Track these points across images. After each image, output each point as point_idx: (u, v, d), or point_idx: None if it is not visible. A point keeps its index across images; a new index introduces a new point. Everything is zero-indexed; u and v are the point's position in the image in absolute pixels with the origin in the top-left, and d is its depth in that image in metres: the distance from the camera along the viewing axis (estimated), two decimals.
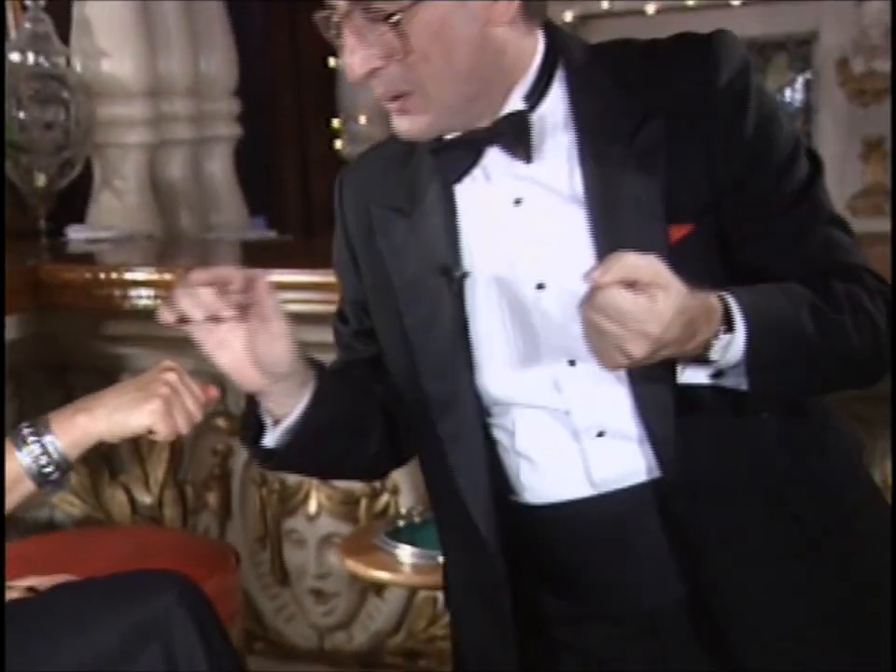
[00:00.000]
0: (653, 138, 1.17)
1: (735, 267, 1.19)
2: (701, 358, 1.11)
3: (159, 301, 2.51)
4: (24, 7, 2.83)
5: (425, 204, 1.25)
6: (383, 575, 1.99)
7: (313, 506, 2.57)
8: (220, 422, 2.64)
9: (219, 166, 3.46)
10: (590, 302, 1.04)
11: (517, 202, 1.21)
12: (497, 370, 1.23)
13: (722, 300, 1.10)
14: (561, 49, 1.22)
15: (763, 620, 1.22)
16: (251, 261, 2.81)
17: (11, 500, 1.26)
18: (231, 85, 3.45)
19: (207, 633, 1.27)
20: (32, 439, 1.24)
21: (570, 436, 1.22)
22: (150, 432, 1.25)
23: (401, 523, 2.09)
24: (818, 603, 1.24)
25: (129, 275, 2.48)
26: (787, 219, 1.18)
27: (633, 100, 1.19)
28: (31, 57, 2.80)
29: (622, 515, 1.23)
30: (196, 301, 1.13)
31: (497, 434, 1.27)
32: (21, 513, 2.63)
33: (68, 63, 2.91)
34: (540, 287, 1.21)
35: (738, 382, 1.14)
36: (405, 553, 1.96)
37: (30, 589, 1.41)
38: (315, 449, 1.26)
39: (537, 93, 1.21)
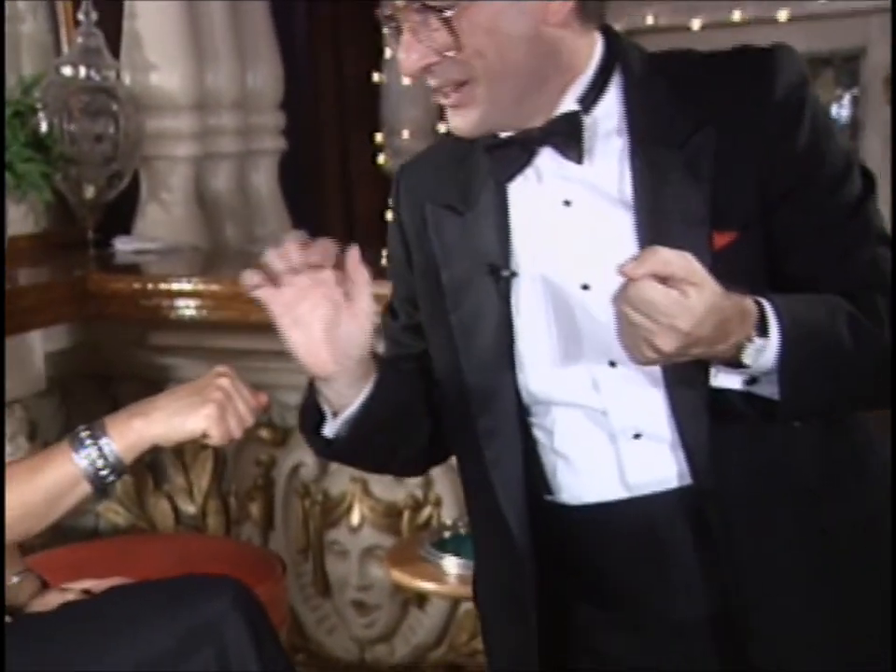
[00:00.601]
0: (704, 145, 1.18)
1: (779, 278, 1.19)
2: (734, 362, 1.11)
3: (204, 312, 2.58)
4: (77, 22, 2.87)
5: (479, 204, 1.27)
6: (428, 585, 2.00)
7: (356, 517, 2.58)
8: (264, 433, 2.66)
9: (264, 179, 3.50)
10: (622, 294, 1.05)
11: (567, 203, 1.22)
12: (539, 368, 1.25)
13: (758, 304, 1.10)
14: (619, 54, 1.23)
15: (788, 638, 1.22)
16: None
17: (69, 502, 1.27)
18: (277, 99, 3.49)
19: (260, 638, 1.27)
20: (89, 442, 1.25)
21: (607, 437, 1.23)
22: (204, 436, 1.27)
23: (447, 534, 2.09)
24: (843, 626, 1.23)
25: (175, 286, 2.52)
26: (836, 234, 1.18)
27: (688, 108, 1.20)
28: (82, 71, 2.85)
29: (654, 520, 1.23)
30: (282, 255, 1.15)
31: (537, 433, 1.28)
32: (68, 519, 2.67)
33: (118, 76, 2.96)
34: (585, 287, 1.22)
35: (772, 391, 1.13)
36: (450, 563, 1.97)
37: (85, 591, 1.42)
38: (371, 441, 1.28)
39: (592, 96, 1.22)
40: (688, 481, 1.22)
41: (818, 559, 1.23)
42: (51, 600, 1.41)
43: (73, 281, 2.55)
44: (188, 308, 2.51)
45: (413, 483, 2.52)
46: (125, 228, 3.09)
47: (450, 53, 1.16)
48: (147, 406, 1.28)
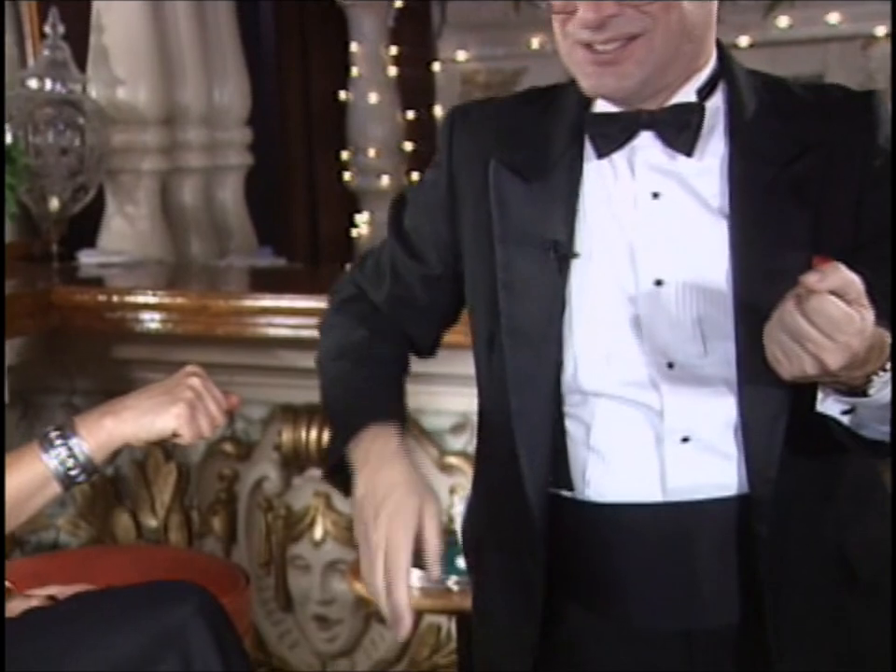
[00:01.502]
0: (811, 170, 1.17)
1: None
2: (855, 391, 1.10)
3: (169, 326, 2.59)
4: (44, 35, 2.88)
5: (551, 177, 1.24)
6: None
7: (318, 532, 2.58)
8: (228, 447, 2.66)
9: (230, 194, 3.52)
10: (801, 306, 1.02)
11: (655, 195, 1.21)
12: (593, 357, 1.22)
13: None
14: (727, 62, 1.23)
15: (811, 652, 1.23)
16: (261, 287, 2.84)
17: (38, 502, 1.26)
18: (244, 115, 3.52)
19: (225, 645, 1.26)
20: (59, 442, 1.24)
21: (654, 437, 1.21)
22: (174, 435, 1.26)
23: None
24: (855, 642, 1.26)
25: (140, 299, 2.52)
26: None
27: (794, 130, 1.20)
28: (48, 83, 2.86)
29: (687, 528, 1.21)
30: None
31: (569, 424, 1.25)
32: (28, 533, 2.65)
33: (84, 89, 2.97)
34: (659, 283, 1.20)
35: (864, 422, 1.13)
36: (414, 576, 1.96)
37: (50, 598, 1.41)
38: None
39: (704, 92, 1.21)
40: (729, 492, 1.21)
41: (839, 593, 1.25)
42: (15, 606, 1.40)
43: (37, 294, 2.54)
44: (152, 321, 2.51)
45: None
46: (90, 241, 3.09)
47: (638, 2, 1.13)
48: (117, 405, 1.27)
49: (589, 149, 1.24)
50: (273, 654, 2.65)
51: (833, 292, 1.02)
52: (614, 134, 1.21)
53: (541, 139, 1.26)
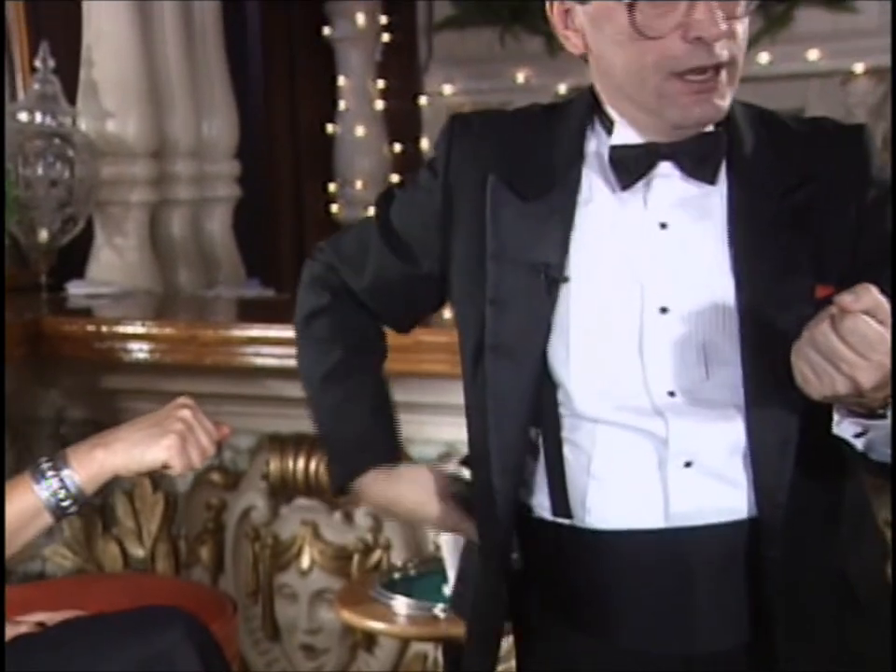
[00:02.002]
0: (809, 200, 1.19)
1: None
2: (873, 413, 1.10)
3: (157, 355, 2.60)
4: (34, 69, 2.91)
5: (549, 197, 1.23)
6: (378, 626, 2.00)
7: (305, 561, 2.58)
8: (215, 476, 2.67)
9: (218, 226, 3.53)
10: (835, 326, 1.02)
11: (663, 225, 1.21)
12: (593, 384, 1.22)
13: None
14: None
15: (811, 669, 1.23)
16: (249, 317, 2.86)
17: (29, 533, 1.26)
18: (232, 147, 3.54)
19: (212, 669, 1.28)
20: (50, 473, 1.25)
21: (656, 462, 1.21)
22: (165, 467, 1.27)
23: (397, 575, 2.10)
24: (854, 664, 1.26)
25: (128, 329, 2.53)
26: None
27: (790, 162, 1.21)
28: (38, 116, 2.88)
29: (689, 553, 1.21)
30: None
31: (567, 451, 1.24)
32: (15, 563, 2.64)
33: (74, 122, 2.99)
34: (664, 311, 1.20)
35: (874, 445, 1.14)
36: (400, 604, 1.97)
37: (39, 624, 1.42)
38: None
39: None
40: (733, 517, 1.21)
41: (835, 599, 1.25)
42: (5, 633, 1.41)
43: (25, 323, 2.56)
44: (141, 351, 2.52)
45: (363, 527, 2.54)
46: (79, 272, 3.11)
47: (741, 22, 1.13)
48: (108, 437, 1.28)
49: (599, 177, 1.24)
50: None
51: (866, 313, 1.02)
52: (638, 163, 1.20)
53: (542, 159, 1.25)
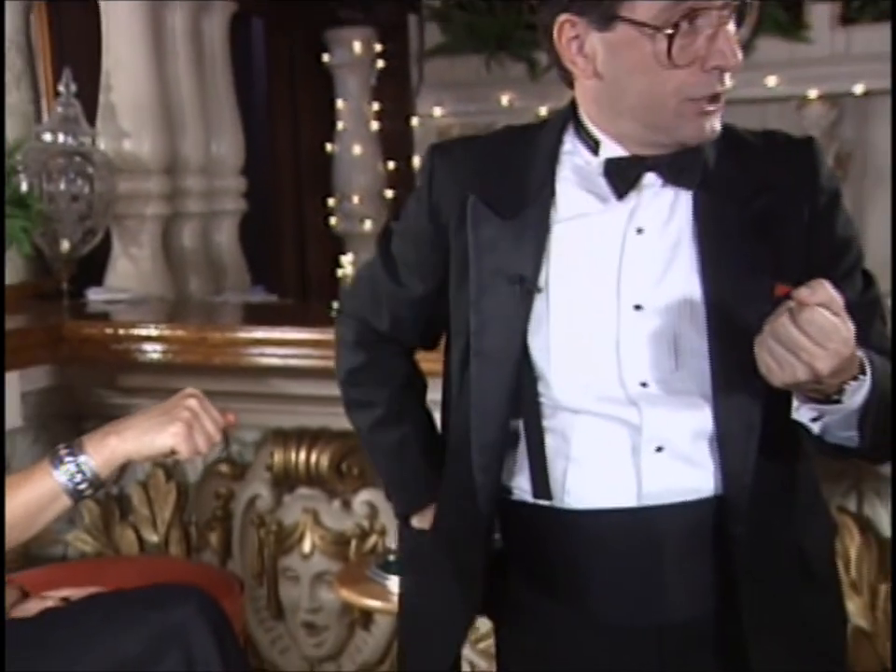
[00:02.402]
0: (766, 208, 1.21)
1: None
2: (829, 399, 1.12)
3: (170, 356, 2.60)
4: (57, 93, 2.91)
5: (524, 214, 1.25)
6: (374, 604, 2.01)
7: (307, 545, 2.58)
8: (223, 468, 2.68)
9: (226, 237, 3.54)
10: (794, 318, 1.05)
11: (639, 231, 1.23)
12: (573, 378, 1.23)
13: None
14: None
15: (772, 644, 1.26)
16: (254, 321, 2.87)
17: (49, 515, 1.28)
18: (239, 164, 3.55)
19: (223, 642, 1.29)
20: (68, 459, 1.26)
21: (630, 448, 1.22)
22: (173, 452, 1.28)
23: (392, 557, 2.11)
24: (812, 631, 1.29)
25: (143, 331, 2.53)
26: (854, 307, 1.20)
27: (747, 172, 1.24)
28: (61, 137, 2.88)
29: (660, 530, 1.23)
30: None
31: (549, 439, 1.26)
32: (38, 548, 2.65)
33: (94, 142, 2.99)
34: (638, 308, 1.22)
35: (829, 428, 1.16)
36: (395, 583, 1.98)
37: (64, 599, 1.43)
38: None
39: None
40: (700, 496, 1.22)
41: (792, 571, 1.27)
42: (32, 607, 1.42)
43: (48, 327, 2.55)
44: (154, 352, 2.52)
45: (360, 514, 2.55)
46: (97, 280, 3.11)
47: (738, 56, 1.16)
48: (120, 425, 1.29)
49: (580, 191, 1.25)
50: (265, 659, 2.65)
51: (821, 305, 1.05)
52: (629, 173, 1.22)
53: (517, 178, 1.27)
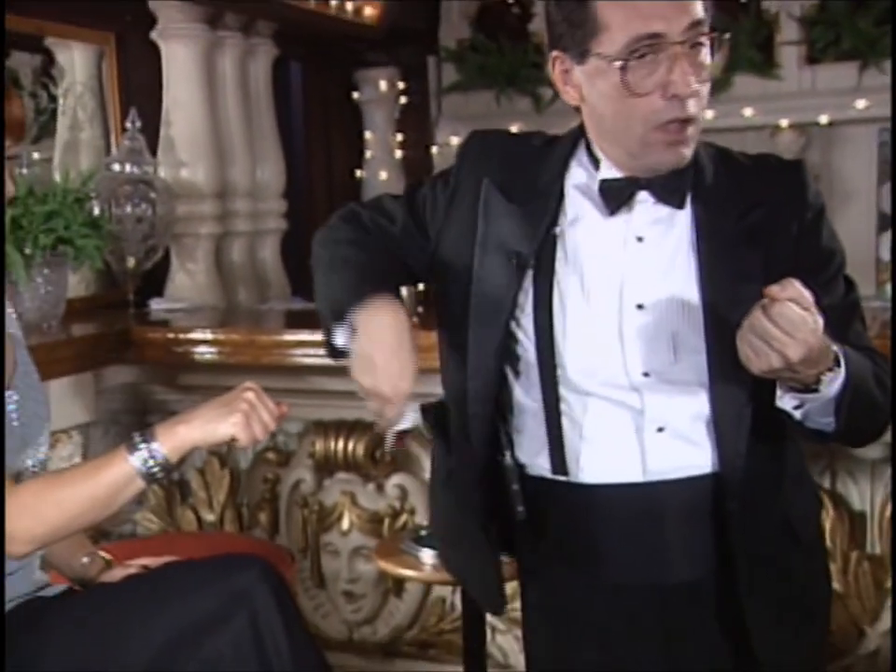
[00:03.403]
0: (758, 222, 1.23)
1: None
2: (807, 387, 1.13)
3: (223, 357, 2.61)
4: (125, 129, 2.94)
5: (530, 202, 1.26)
6: (408, 573, 2.01)
7: (345, 523, 2.60)
8: (271, 455, 2.70)
9: (269, 253, 3.56)
10: (766, 312, 1.07)
11: (640, 239, 1.24)
12: (584, 364, 1.24)
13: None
14: None
15: (765, 603, 1.26)
16: (297, 325, 2.87)
17: (125, 495, 1.28)
18: (280, 189, 3.57)
19: (283, 605, 1.28)
20: (142, 445, 1.26)
21: (634, 428, 1.24)
22: (234, 440, 1.27)
23: (423, 532, 2.12)
24: (795, 601, 1.29)
25: (199, 335, 2.56)
26: (836, 311, 1.23)
27: (741, 190, 1.26)
28: (128, 167, 2.90)
29: (663, 502, 1.24)
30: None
31: (565, 420, 1.26)
32: (112, 525, 2.67)
33: (156, 171, 3.02)
34: (640, 307, 1.23)
35: (809, 415, 1.17)
36: (427, 555, 1.98)
37: (143, 567, 1.45)
38: None
39: None
40: (699, 472, 1.23)
41: (781, 538, 1.28)
42: (116, 574, 1.44)
43: (118, 332, 2.58)
44: (209, 354, 2.54)
45: (392, 495, 2.57)
46: (159, 291, 3.13)
47: (706, 80, 1.16)
48: (188, 415, 1.29)
49: (587, 201, 1.26)
50: (309, 623, 2.65)
51: (791, 300, 1.07)
52: (621, 193, 1.23)
53: (529, 177, 1.28)
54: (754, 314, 1.08)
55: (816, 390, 1.14)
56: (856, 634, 2.17)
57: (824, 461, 2.16)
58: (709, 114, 4.69)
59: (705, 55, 1.18)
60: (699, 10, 1.16)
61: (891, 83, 3.65)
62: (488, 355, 1.27)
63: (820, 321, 1.09)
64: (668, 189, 1.24)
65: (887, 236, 4.05)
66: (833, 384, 1.14)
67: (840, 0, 4.03)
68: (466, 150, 1.34)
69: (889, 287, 3.21)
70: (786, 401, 1.18)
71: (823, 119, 4.11)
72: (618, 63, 1.15)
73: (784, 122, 4.16)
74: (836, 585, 2.14)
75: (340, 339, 1.24)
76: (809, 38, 4.12)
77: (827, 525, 2.12)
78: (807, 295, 1.09)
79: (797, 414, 1.18)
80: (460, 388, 1.30)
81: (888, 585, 2.13)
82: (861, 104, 4.00)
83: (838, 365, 1.14)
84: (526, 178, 1.28)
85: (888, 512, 2.12)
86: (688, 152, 1.21)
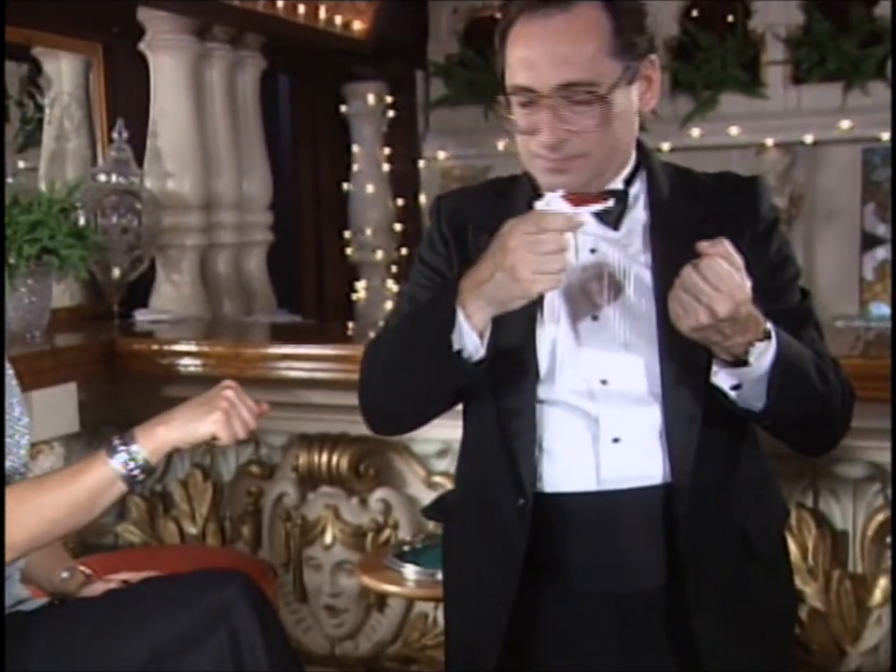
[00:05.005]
0: (712, 231, 1.23)
1: None
2: (738, 361, 1.15)
3: (207, 369, 2.61)
4: (111, 140, 2.94)
5: None
6: (391, 588, 2.01)
7: (328, 537, 2.59)
8: (254, 468, 2.69)
9: (255, 265, 3.57)
10: (696, 266, 1.10)
11: (592, 251, 1.27)
12: (547, 372, 1.26)
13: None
14: (645, 156, 1.31)
15: (716, 616, 1.26)
16: (281, 338, 2.88)
17: (106, 500, 1.26)
18: (267, 201, 3.58)
19: (264, 621, 1.27)
20: (121, 448, 1.25)
21: (590, 438, 1.25)
22: (214, 439, 1.25)
23: (406, 548, 2.11)
24: (752, 617, 1.29)
25: (184, 347, 2.56)
26: (788, 315, 1.25)
27: (698, 201, 1.29)
28: (114, 177, 2.91)
29: (617, 510, 1.25)
30: None
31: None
32: (92, 538, 2.65)
33: (142, 182, 3.02)
34: (595, 318, 1.26)
35: (748, 396, 1.18)
36: (409, 570, 1.99)
37: (124, 581, 1.44)
38: None
39: (629, 180, 1.29)
40: (652, 481, 1.24)
41: (736, 552, 1.28)
42: (97, 588, 1.42)
43: (102, 343, 2.58)
44: (194, 366, 2.54)
45: (376, 510, 2.57)
46: (144, 302, 3.13)
47: (592, 130, 1.19)
48: (166, 416, 1.27)
49: None
50: (290, 638, 2.59)
51: (721, 257, 1.10)
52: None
53: (505, 207, 1.30)
54: (685, 270, 1.11)
55: (746, 362, 1.16)
56: (837, 653, 2.18)
57: (807, 480, 2.17)
58: (696, 132, 4.80)
59: (585, 105, 1.20)
60: (577, 73, 1.19)
61: (891, 101, 3.67)
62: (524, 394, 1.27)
63: (748, 282, 1.11)
64: (605, 211, 1.26)
65: (870, 255, 4.10)
66: (763, 356, 1.15)
67: (825, 22, 4.09)
68: (438, 211, 1.38)
69: (872, 307, 3.25)
70: (721, 378, 1.19)
71: (808, 138, 4.16)
72: (505, 103, 1.24)
73: (770, 141, 4.21)
74: (818, 604, 2.15)
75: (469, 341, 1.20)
76: (795, 59, 4.18)
77: (809, 544, 2.13)
78: (738, 257, 1.12)
79: (733, 394, 1.20)
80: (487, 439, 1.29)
81: (869, 605, 2.14)
82: (845, 124, 4.06)
83: (768, 337, 1.16)
84: (504, 213, 1.28)
85: (870, 532, 2.13)
86: (579, 178, 1.24)
